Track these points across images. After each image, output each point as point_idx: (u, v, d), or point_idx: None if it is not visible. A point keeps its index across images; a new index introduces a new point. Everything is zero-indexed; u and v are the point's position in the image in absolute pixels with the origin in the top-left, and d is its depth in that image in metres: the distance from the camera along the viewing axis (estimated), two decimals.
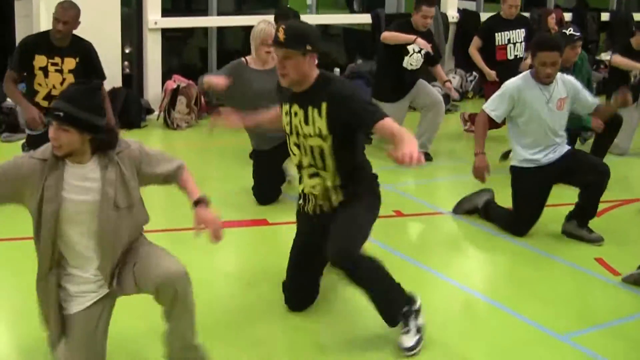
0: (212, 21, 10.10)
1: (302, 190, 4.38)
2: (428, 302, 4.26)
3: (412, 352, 4.03)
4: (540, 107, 5.66)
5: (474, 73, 11.18)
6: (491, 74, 8.66)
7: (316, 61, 4.15)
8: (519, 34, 8.93)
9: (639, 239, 5.97)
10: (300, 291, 4.48)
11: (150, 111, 9.31)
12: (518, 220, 5.86)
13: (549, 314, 4.62)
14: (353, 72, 10.40)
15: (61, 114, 3.34)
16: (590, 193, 5.71)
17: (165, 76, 9.49)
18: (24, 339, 4.14)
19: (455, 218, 6.24)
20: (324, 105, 4.06)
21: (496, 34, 8.84)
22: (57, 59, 6.27)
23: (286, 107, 4.25)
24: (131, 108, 8.95)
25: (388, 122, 3.92)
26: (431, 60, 8.17)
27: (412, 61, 7.96)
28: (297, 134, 4.20)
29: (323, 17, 10.95)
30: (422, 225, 6.30)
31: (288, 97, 4.25)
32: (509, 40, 8.91)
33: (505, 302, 4.76)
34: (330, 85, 4.11)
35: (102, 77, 6.49)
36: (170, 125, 8.86)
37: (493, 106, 5.78)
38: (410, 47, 7.90)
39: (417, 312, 4.14)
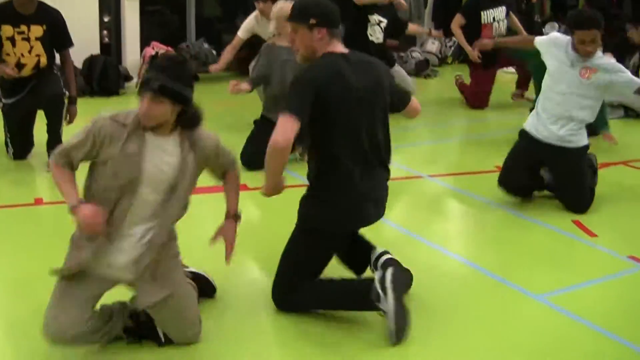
0: None
1: None
2: (406, 264, 4.31)
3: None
4: (562, 67, 5.64)
5: (453, 39, 11.22)
6: (474, 54, 8.69)
7: (330, 37, 4.00)
8: (502, 12, 9.00)
9: (616, 201, 6.05)
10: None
11: (128, 78, 9.31)
12: (503, 170, 5.92)
13: (525, 275, 4.69)
14: None
15: (156, 85, 3.36)
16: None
17: (144, 43, 9.47)
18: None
19: (433, 181, 6.32)
20: None
21: (482, 12, 8.90)
22: (24, 27, 6.19)
23: None
24: (110, 75, 8.95)
25: None
26: (394, 33, 8.35)
27: (372, 32, 8.05)
28: None
29: None
30: (401, 189, 6.36)
31: None
32: (493, 18, 8.97)
33: (483, 264, 4.82)
34: None
35: (70, 44, 6.47)
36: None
37: (541, 37, 5.97)
38: (371, 18, 8.04)
39: (384, 292, 3.84)
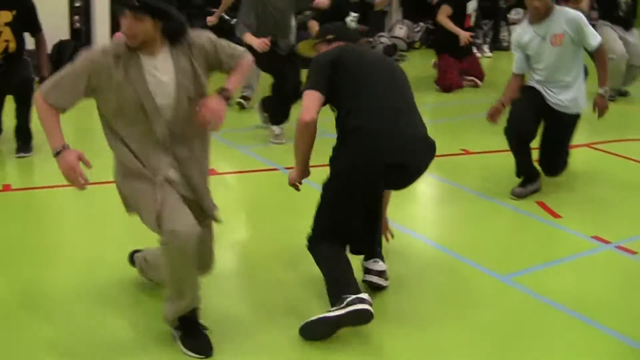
0: None
1: None
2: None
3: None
4: (537, 46, 5.75)
5: (421, 24, 11.36)
6: (467, 35, 9.24)
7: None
8: (475, 4, 9.53)
9: (580, 182, 6.15)
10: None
11: None
12: (513, 118, 5.86)
13: (491, 257, 4.78)
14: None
15: (136, 2, 3.36)
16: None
17: (115, 29, 9.45)
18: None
19: None
20: None
21: (467, 3, 9.39)
22: None
23: None
24: None
25: None
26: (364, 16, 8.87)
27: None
28: None
29: None
30: None
31: None
32: (473, 8, 9.39)
33: (450, 245, 4.91)
34: None
35: (39, 29, 6.50)
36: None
37: (514, 63, 5.95)
38: (347, 20, 8.52)
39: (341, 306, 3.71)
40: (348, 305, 3.65)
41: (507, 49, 10.75)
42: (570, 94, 5.74)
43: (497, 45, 12.15)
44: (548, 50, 5.70)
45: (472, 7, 9.52)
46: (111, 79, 3.43)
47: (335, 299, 3.75)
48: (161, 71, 3.51)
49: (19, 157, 6.29)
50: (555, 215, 5.47)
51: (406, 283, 4.40)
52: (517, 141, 5.78)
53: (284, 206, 5.48)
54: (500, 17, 11.97)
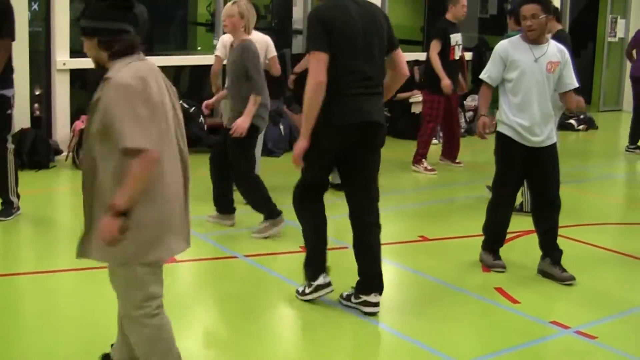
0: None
1: None
2: (338, 337, 4.34)
3: (298, 295, 5.25)
4: (528, 65, 5.69)
5: None
6: (448, 85, 9.28)
7: None
8: (459, 36, 9.65)
9: (536, 267, 6.19)
10: None
11: (59, 152, 9.29)
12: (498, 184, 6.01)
13: (450, 343, 4.79)
14: None
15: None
16: (545, 232, 5.98)
17: (74, 116, 9.48)
18: None
19: None
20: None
21: (450, 36, 9.48)
22: None
23: None
24: (40, 149, 8.94)
25: None
26: None
27: None
28: None
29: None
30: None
31: None
32: (456, 42, 9.53)
33: (409, 332, 4.92)
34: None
35: (12, 36, 6.59)
36: (79, 165, 8.84)
37: (487, 72, 5.85)
38: None
39: (316, 286, 5.20)
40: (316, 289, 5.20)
41: (463, 135, 10.90)
42: (551, 125, 5.84)
43: None
44: (540, 75, 5.69)
45: (455, 39, 9.53)
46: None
47: (310, 272, 5.23)
48: None
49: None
50: (513, 301, 5.50)
51: None
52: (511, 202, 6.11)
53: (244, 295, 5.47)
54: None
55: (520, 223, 6.83)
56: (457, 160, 10.12)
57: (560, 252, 5.94)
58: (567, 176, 8.01)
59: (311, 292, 5.23)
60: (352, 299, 5.15)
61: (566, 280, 5.82)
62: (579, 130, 13.47)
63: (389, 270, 6.06)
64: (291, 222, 6.44)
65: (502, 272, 5.99)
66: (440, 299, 5.57)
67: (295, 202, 5.28)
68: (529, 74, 5.69)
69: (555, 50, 5.78)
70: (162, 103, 3.48)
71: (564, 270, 5.87)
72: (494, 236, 6.09)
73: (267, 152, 10.08)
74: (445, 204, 8.28)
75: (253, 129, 6.52)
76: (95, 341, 4.39)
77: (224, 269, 6.08)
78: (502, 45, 5.83)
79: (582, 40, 13.99)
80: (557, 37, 7.03)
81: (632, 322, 5.27)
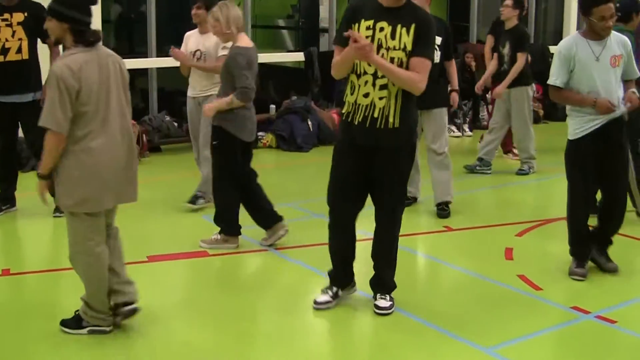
0: (151, 62, 10.40)
1: (355, 102, 4.92)
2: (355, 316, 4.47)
3: None
4: (590, 63, 5.51)
5: None
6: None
7: None
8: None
9: (559, 254, 6.29)
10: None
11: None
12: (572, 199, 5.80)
13: (475, 329, 4.93)
14: (288, 108, 10.74)
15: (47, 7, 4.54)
16: (607, 221, 5.87)
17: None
18: None
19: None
20: (413, 26, 4.80)
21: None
22: (7, 15, 6.92)
23: (370, 22, 4.84)
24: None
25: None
26: None
27: None
28: (380, 47, 4.79)
29: (259, 56, 11.26)
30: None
31: (373, 13, 4.85)
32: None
33: (434, 320, 5.05)
34: (419, 11, 4.94)
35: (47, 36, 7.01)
36: None
37: (555, 76, 5.60)
38: None
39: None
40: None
41: (487, 127, 10.99)
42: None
43: (477, 124, 12.40)
44: (604, 71, 5.53)
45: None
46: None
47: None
48: None
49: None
50: (536, 287, 5.64)
51: (390, 355, 4.57)
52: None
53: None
54: (479, 97, 12.25)
55: (540, 211, 6.91)
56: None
57: (610, 242, 5.96)
58: None
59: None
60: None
61: (611, 270, 5.87)
62: None
63: (413, 260, 6.26)
64: (318, 214, 6.62)
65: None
66: (463, 287, 5.73)
67: None
68: (589, 75, 5.54)
69: (615, 42, 5.60)
70: (98, 89, 4.43)
71: (610, 260, 5.92)
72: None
73: (296, 147, 10.28)
74: (467, 194, 8.38)
75: (229, 137, 6.15)
76: None
77: (255, 262, 6.29)
78: (567, 44, 5.62)
79: None
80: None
81: None
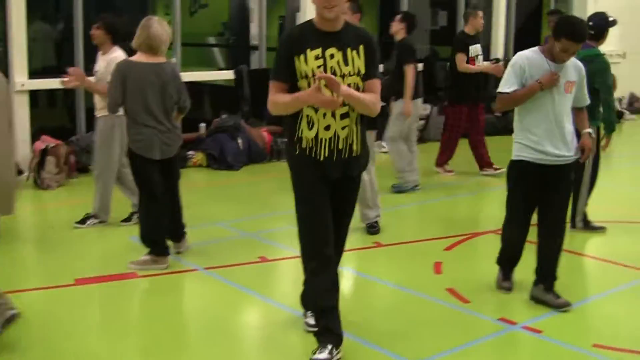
0: None
1: (315, 137, 4.62)
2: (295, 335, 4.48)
3: None
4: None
5: None
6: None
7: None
8: (480, 48, 10.11)
9: (486, 267, 6.36)
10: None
11: (20, 172, 9.37)
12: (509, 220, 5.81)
13: (405, 344, 4.98)
14: (218, 127, 10.72)
15: None
16: (544, 253, 5.72)
17: (35, 137, 9.57)
18: None
19: None
20: (362, 47, 4.61)
21: (470, 48, 9.98)
22: None
23: (317, 50, 4.55)
24: None
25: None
26: None
27: None
28: (335, 75, 4.51)
29: (188, 75, 11.25)
30: (285, 268, 6.60)
31: (318, 41, 4.57)
32: (476, 53, 10.01)
33: (364, 335, 5.08)
34: (361, 30, 4.76)
35: None
36: (40, 185, 8.95)
37: (507, 85, 5.53)
38: None
39: None
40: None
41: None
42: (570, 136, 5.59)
43: None
44: (557, 91, 5.47)
45: (475, 51, 9.97)
46: None
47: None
48: None
49: None
50: (464, 300, 5.71)
51: None
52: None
53: None
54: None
55: (471, 226, 7.02)
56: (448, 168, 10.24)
57: (555, 278, 5.70)
58: None
59: None
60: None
61: (562, 306, 5.58)
62: None
63: (345, 276, 6.27)
64: (247, 233, 6.61)
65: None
66: (393, 302, 5.78)
67: None
68: (543, 94, 5.47)
69: (572, 68, 5.55)
70: None
71: (559, 296, 5.65)
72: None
73: (227, 165, 10.26)
74: (397, 210, 8.45)
75: (137, 157, 6.19)
76: None
77: (184, 282, 6.25)
78: (524, 55, 5.57)
79: None
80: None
81: (575, 315, 5.51)
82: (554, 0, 15.56)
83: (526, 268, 5.81)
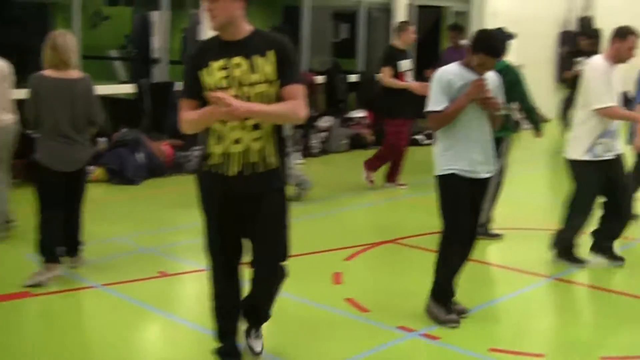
0: None
1: (225, 152, 4.42)
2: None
3: None
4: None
5: None
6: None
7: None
8: (410, 63, 9.97)
9: (387, 276, 6.45)
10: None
11: None
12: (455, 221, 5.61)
13: (303, 355, 5.01)
14: (118, 140, 10.57)
15: None
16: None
17: None
18: None
19: None
20: (272, 53, 4.37)
21: (399, 63, 9.85)
22: None
23: (221, 62, 4.37)
24: None
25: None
26: None
27: None
28: (241, 84, 4.34)
29: None
30: (187, 282, 6.54)
31: (222, 51, 4.39)
32: (406, 68, 9.87)
33: (264, 347, 5.00)
34: (271, 35, 4.51)
35: None
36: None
37: (437, 103, 5.46)
38: None
39: None
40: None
41: (317, 155, 11.02)
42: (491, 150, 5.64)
43: (308, 152, 12.39)
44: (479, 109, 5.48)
45: (405, 66, 9.84)
46: None
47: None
48: None
49: None
50: (363, 309, 5.76)
51: None
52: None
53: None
54: (310, 124, 12.26)
55: (373, 236, 7.07)
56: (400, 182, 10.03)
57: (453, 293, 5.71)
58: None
59: None
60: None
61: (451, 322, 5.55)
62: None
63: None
64: (147, 248, 6.52)
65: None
66: (292, 313, 5.75)
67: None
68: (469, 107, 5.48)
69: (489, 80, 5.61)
70: None
71: (450, 312, 5.62)
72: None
73: (127, 180, 10.11)
74: (297, 222, 8.44)
75: (37, 163, 6.24)
76: None
77: (80, 300, 6.12)
78: (449, 69, 5.54)
79: None
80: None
81: (471, 321, 5.60)
82: (453, 14, 15.88)
83: (418, 273, 5.91)
